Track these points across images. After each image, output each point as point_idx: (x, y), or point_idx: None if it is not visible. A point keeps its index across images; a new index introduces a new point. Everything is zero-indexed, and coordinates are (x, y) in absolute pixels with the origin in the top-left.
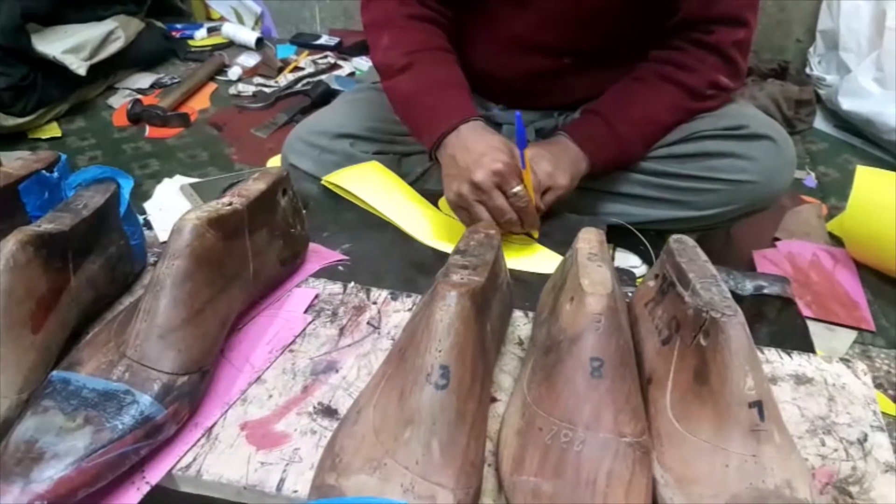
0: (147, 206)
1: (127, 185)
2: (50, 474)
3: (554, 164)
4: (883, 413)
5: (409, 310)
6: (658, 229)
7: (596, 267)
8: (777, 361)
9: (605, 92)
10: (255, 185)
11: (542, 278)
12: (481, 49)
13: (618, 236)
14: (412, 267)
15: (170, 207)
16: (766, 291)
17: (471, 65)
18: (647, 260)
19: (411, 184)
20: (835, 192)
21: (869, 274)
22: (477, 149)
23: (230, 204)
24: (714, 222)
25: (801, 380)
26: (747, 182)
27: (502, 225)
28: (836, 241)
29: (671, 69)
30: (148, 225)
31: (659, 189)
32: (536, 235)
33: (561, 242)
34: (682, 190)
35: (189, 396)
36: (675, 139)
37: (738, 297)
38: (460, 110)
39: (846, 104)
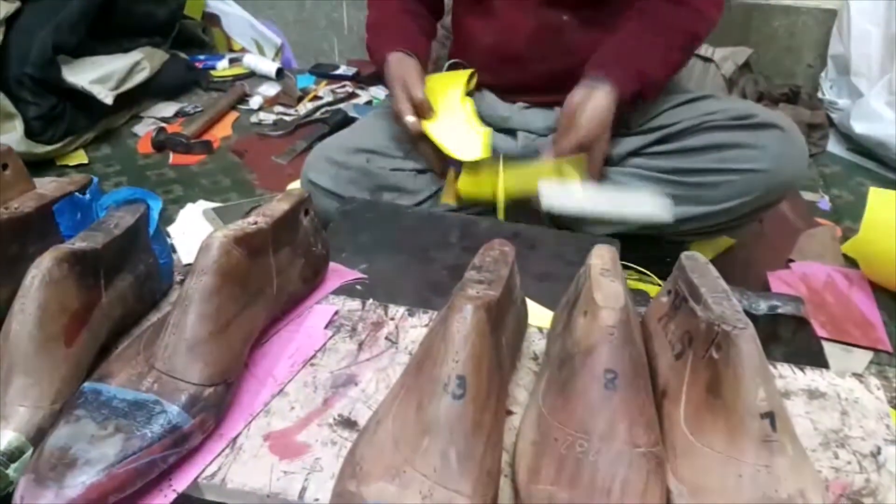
0: (171, 229)
1: (156, 206)
2: (82, 479)
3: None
4: None
5: (426, 325)
6: (673, 232)
7: (609, 282)
8: (790, 376)
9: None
10: (279, 206)
11: None
12: (481, 20)
13: (632, 248)
14: (427, 286)
15: (193, 231)
16: (780, 311)
17: (474, 42)
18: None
19: (423, 201)
20: (848, 215)
21: (885, 295)
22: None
23: (255, 223)
24: (730, 217)
25: (813, 394)
26: (758, 171)
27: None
28: (850, 263)
29: None
30: (172, 248)
31: (672, 186)
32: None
33: (572, 262)
34: (695, 185)
35: (215, 407)
36: (685, 132)
37: (752, 317)
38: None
39: (859, 128)
